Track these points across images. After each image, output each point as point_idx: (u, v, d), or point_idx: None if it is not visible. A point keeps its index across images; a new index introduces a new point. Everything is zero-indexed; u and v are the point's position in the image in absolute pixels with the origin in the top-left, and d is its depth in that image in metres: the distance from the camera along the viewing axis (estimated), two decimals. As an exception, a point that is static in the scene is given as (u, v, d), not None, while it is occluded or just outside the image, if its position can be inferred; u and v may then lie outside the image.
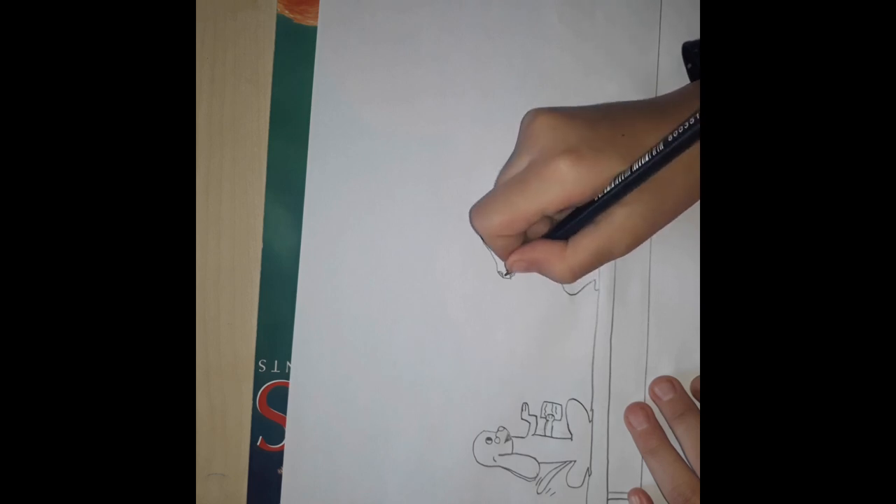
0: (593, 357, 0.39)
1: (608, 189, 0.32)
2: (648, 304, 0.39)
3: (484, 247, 0.39)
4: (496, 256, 0.39)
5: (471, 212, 0.36)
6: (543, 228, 0.35)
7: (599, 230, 0.33)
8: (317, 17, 0.38)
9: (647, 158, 0.31)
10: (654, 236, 0.39)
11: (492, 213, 0.34)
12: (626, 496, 0.39)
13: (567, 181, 0.32)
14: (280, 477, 0.38)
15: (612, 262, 0.39)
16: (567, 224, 0.34)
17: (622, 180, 0.31)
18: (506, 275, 0.39)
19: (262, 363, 0.38)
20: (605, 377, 0.39)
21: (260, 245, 0.38)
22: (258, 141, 0.38)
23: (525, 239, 0.36)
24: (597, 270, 0.39)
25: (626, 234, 0.33)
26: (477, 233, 0.36)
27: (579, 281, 0.39)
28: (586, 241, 0.33)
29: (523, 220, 0.33)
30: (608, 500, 0.39)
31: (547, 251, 0.34)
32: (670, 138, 0.30)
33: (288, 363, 0.38)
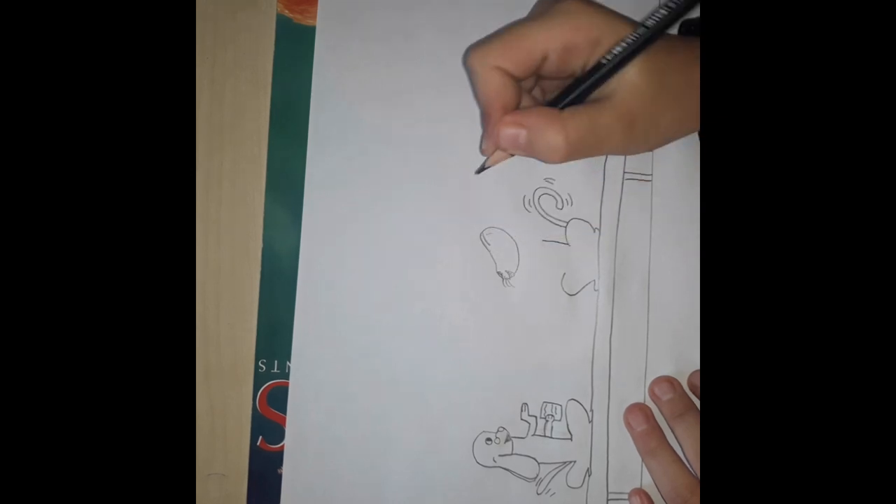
0: (593, 357, 0.39)
1: (616, 49, 0.31)
2: (648, 304, 0.39)
3: (483, 246, 0.39)
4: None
5: (468, 49, 0.33)
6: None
7: (597, 104, 0.32)
8: (316, 16, 0.38)
9: (661, 12, 0.30)
10: (655, 236, 0.39)
11: (492, 40, 0.32)
12: (626, 496, 0.39)
13: (576, 16, 0.31)
14: (280, 477, 0.38)
15: (612, 263, 0.39)
16: (563, 95, 0.33)
17: (634, 38, 0.31)
18: (506, 274, 0.39)
19: (262, 363, 0.38)
20: (605, 377, 0.39)
21: (260, 245, 0.38)
22: (258, 141, 0.38)
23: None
24: (597, 271, 0.39)
25: (624, 112, 0.32)
26: (470, 74, 0.33)
27: (579, 281, 0.39)
28: (583, 110, 0.32)
29: (525, 52, 0.31)
30: (608, 500, 0.39)
31: (541, 114, 0.32)
32: None
33: (288, 363, 0.38)
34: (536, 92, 0.35)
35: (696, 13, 0.39)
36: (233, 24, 0.38)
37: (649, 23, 0.31)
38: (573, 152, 0.32)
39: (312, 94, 0.38)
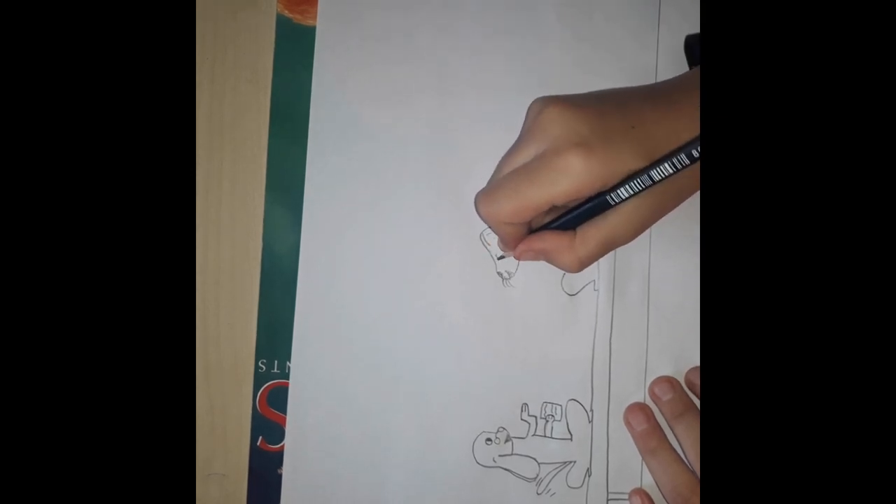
0: (593, 357, 0.39)
1: (622, 192, 0.32)
2: (648, 304, 0.39)
3: (483, 246, 0.39)
4: (495, 256, 0.39)
5: (477, 197, 0.35)
6: (548, 217, 0.35)
7: (608, 221, 0.33)
8: (316, 17, 0.38)
9: (669, 169, 0.31)
10: (655, 236, 0.39)
11: (500, 200, 0.33)
12: (626, 496, 0.39)
13: (578, 174, 0.31)
14: (280, 477, 0.38)
15: (612, 263, 0.39)
16: (574, 214, 0.34)
17: (639, 185, 0.32)
18: (506, 274, 0.39)
19: (262, 363, 0.38)
20: (605, 377, 0.39)
21: (260, 245, 0.38)
22: (258, 141, 0.38)
23: (529, 228, 0.36)
24: (596, 270, 0.39)
25: (634, 225, 0.34)
26: (482, 219, 0.35)
27: (579, 281, 0.39)
28: (594, 232, 0.34)
29: (532, 209, 0.33)
30: (608, 500, 0.39)
31: (555, 242, 0.34)
32: (695, 153, 0.30)
33: (288, 363, 0.38)
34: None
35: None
36: (233, 24, 0.38)
37: (654, 175, 0.31)
38: (588, 265, 0.35)
39: (312, 94, 0.38)
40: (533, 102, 0.34)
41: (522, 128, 0.35)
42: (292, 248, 0.38)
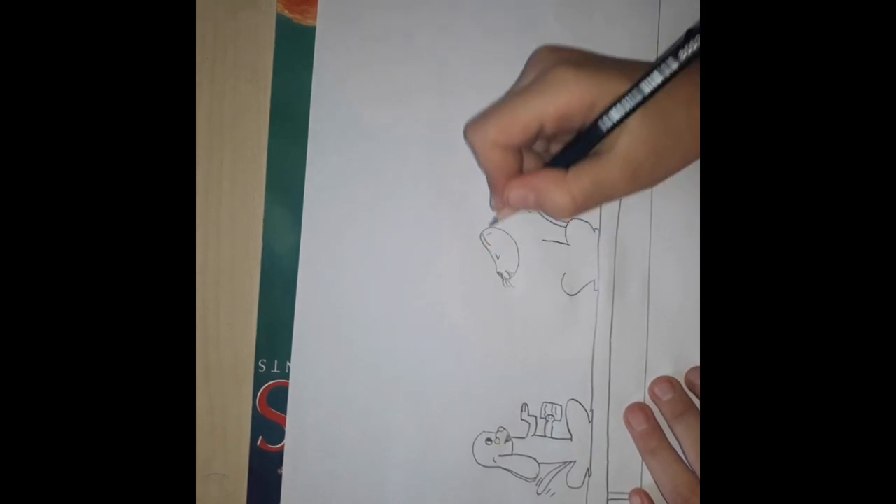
0: (593, 357, 0.39)
1: (613, 114, 0.31)
2: (648, 304, 0.39)
3: (483, 246, 0.39)
4: (494, 256, 0.39)
5: (466, 125, 0.34)
6: (539, 164, 0.35)
7: (601, 159, 0.32)
8: (316, 16, 0.38)
9: (658, 78, 0.30)
10: (655, 236, 0.39)
11: (488, 119, 0.33)
12: (626, 496, 0.39)
13: (567, 84, 0.31)
14: (280, 477, 0.38)
15: (612, 263, 0.39)
16: (565, 153, 0.33)
17: (630, 103, 0.31)
18: (506, 274, 0.39)
19: (262, 363, 0.38)
20: (605, 377, 0.39)
21: (260, 245, 0.38)
22: (258, 141, 0.38)
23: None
24: (597, 270, 0.39)
25: (627, 163, 0.32)
26: (471, 148, 0.34)
27: (579, 281, 0.39)
28: (587, 167, 0.32)
29: (521, 125, 0.32)
30: (608, 500, 0.39)
31: (547, 177, 0.33)
32: (682, 55, 0.30)
33: (288, 363, 0.38)
34: (538, 145, 0.36)
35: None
36: (233, 24, 0.38)
37: (644, 87, 0.31)
38: (580, 209, 0.33)
39: (312, 94, 0.38)
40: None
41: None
42: (292, 248, 0.38)
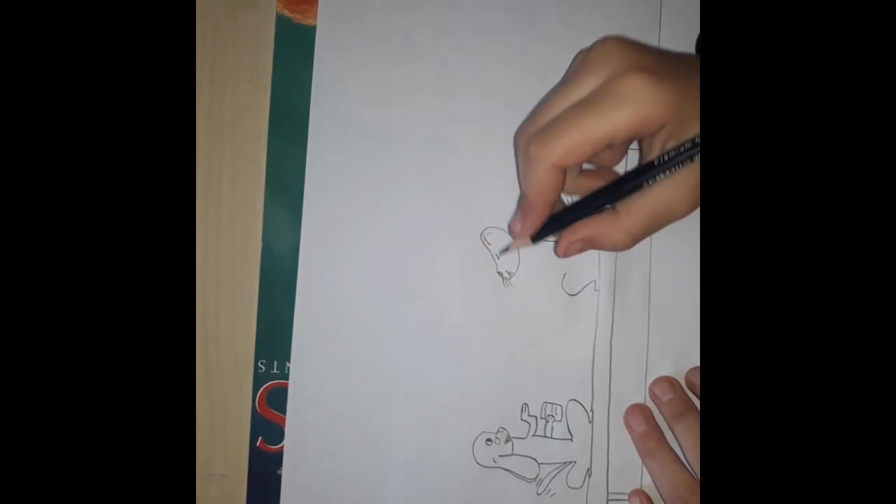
0: (593, 358, 0.39)
1: (668, 154, 0.29)
2: (648, 305, 0.39)
3: (483, 246, 0.39)
4: (495, 257, 0.38)
5: (520, 136, 0.32)
6: (573, 178, 0.33)
7: (653, 191, 0.31)
8: (316, 16, 0.38)
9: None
10: (655, 237, 0.39)
11: (558, 135, 0.30)
12: (626, 497, 0.39)
13: (645, 99, 0.29)
14: (280, 477, 0.38)
15: (613, 263, 0.39)
16: (611, 192, 0.32)
17: (688, 146, 0.29)
18: (506, 274, 0.39)
19: (262, 363, 0.38)
20: (606, 378, 0.39)
21: (259, 245, 0.38)
22: (258, 141, 0.38)
23: (562, 204, 0.34)
24: (597, 270, 0.39)
25: (687, 191, 0.30)
26: (523, 160, 0.31)
27: (579, 281, 0.39)
28: (640, 204, 0.31)
29: (591, 144, 0.29)
30: (608, 500, 0.39)
31: (598, 224, 0.32)
32: None
33: (288, 363, 0.38)
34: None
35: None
36: (233, 24, 0.38)
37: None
38: (640, 240, 0.32)
39: (312, 94, 0.38)
40: (578, 53, 0.33)
41: (568, 71, 0.34)
42: (292, 248, 0.38)
